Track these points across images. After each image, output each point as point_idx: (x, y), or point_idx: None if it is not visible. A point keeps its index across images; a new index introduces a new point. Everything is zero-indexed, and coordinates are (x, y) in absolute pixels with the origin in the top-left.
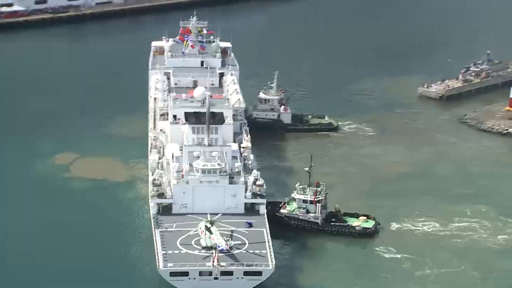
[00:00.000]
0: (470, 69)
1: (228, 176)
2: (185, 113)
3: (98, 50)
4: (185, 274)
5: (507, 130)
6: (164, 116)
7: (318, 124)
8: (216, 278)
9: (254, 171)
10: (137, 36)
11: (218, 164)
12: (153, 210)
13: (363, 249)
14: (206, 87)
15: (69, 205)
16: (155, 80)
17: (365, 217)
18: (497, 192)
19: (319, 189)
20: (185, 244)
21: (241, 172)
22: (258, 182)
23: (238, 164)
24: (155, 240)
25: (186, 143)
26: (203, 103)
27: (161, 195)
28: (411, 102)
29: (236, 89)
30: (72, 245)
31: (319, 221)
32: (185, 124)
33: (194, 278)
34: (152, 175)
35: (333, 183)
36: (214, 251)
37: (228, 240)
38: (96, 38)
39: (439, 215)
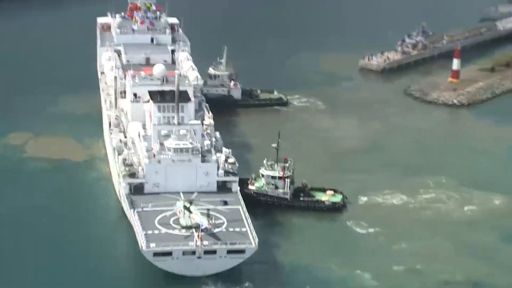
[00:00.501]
0: (406, 41)
1: (200, 155)
2: (149, 91)
3: (42, 25)
4: (169, 254)
5: (452, 101)
6: (121, 94)
7: (268, 99)
8: (199, 257)
9: (225, 149)
10: (81, 11)
11: (190, 143)
12: (125, 190)
13: (335, 224)
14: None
15: (30, 188)
16: (107, 57)
17: (332, 192)
18: (453, 163)
19: (287, 165)
20: (164, 224)
21: (212, 150)
22: (229, 160)
23: (207, 142)
24: (133, 221)
25: (154, 122)
26: (163, 81)
27: (132, 175)
28: (354, 75)
29: (191, 65)
30: (38, 231)
31: (288, 196)
32: (147, 102)
33: (177, 258)
34: (119, 154)
35: (293, 158)
36: (196, 230)
37: (210, 219)
38: (40, 14)
39: (404, 188)
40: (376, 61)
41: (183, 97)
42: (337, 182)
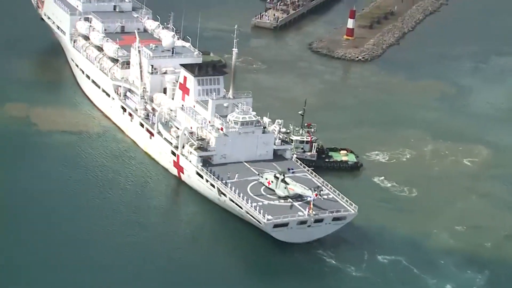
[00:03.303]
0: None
1: (262, 127)
2: (183, 64)
3: None
4: (285, 225)
5: (357, 57)
6: (125, 64)
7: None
8: (309, 226)
9: (278, 120)
10: None
11: (254, 116)
12: (197, 162)
13: (367, 182)
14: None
15: (71, 165)
16: (85, 27)
17: (345, 151)
18: (412, 116)
19: (312, 130)
20: (259, 195)
21: (267, 121)
22: (283, 130)
23: (254, 113)
24: (233, 195)
25: (195, 95)
26: (172, 52)
27: (202, 148)
28: (250, 32)
29: (173, 34)
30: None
31: (315, 158)
32: (166, 74)
33: (291, 228)
34: (171, 127)
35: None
36: (294, 200)
37: (318, 190)
38: None
39: (397, 143)
40: (268, 19)
41: (218, 70)
42: (331, 140)
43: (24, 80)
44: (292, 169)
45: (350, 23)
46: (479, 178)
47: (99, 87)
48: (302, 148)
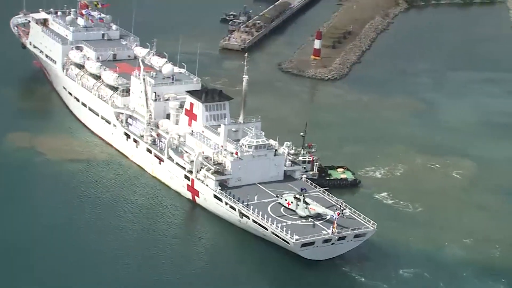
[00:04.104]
0: (235, 20)
1: (273, 149)
2: (189, 91)
3: None
4: (312, 243)
5: (327, 76)
6: (127, 92)
7: None
8: (333, 244)
9: (286, 142)
10: None
11: (266, 139)
12: (214, 186)
13: (373, 198)
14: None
15: (87, 194)
16: (80, 56)
17: (342, 169)
18: (394, 132)
19: (313, 150)
20: (281, 215)
21: (277, 144)
22: (291, 152)
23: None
24: (257, 217)
25: (203, 120)
26: (172, 80)
27: (219, 172)
28: (219, 54)
29: (166, 61)
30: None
31: (316, 177)
32: (169, 100)
33: (317, 246)
34: (181, 152)
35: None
36: (315, 220)
37: (340, 209)
38: None
39: (388, 159)
40: (235, 41)
41: (223, 96)
42: (323, 159)
43: (16, 109)
44: (305, 189)
45: (317, 44)
46: (472, 191)
47: (97, 114)
48: (304, 168)
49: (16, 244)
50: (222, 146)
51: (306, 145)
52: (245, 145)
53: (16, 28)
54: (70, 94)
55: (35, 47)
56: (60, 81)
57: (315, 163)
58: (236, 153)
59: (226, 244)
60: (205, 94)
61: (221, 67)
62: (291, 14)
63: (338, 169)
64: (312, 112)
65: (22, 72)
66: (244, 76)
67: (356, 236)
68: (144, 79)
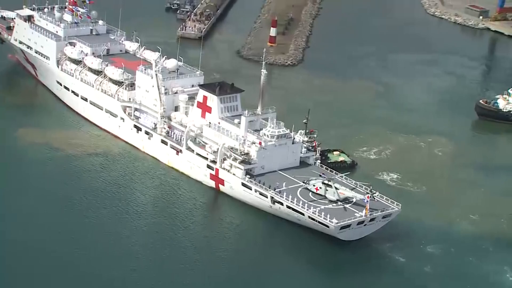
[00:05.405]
0: (182, 9)
1: (292, 138)
2: (204, 85)
3: None
4: (349, 226)
5: (286, 62)
6: (132, 86)
7: None
8: (365, 225)
9: (300, 130)
10: None
11: (286, 129)
12: (242, 175)
13: (375, 179)
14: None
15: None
16: (77, 51)
17: (337, 152)
18: (368, 115)
19: (315, 135)
20: (312, 200)
21: (292, 133)
22: (305, 139)
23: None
24: (291, 203)
25: (218, 112)
26: (177, 73)
27: (246, 162)
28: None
29: (159, 54)
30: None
31: (319, 161)
32: (177, 94)
33: (352, 228)
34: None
35: None
36: (345, 203)
37: (371, 192)
38: None
39: (374, 140)
40: (192, 30)
41: (235, 88)
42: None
43: (10, 104)
44: (323, 174)
45: (273, 32)
46: (458, 168)
47: (101, 108)
48: None
49: (42, 239)
50: (242, 137)
51: (308, 131)
52: (267, 135)
53: None
54: (67, 88)
55: (21, 42)
56: (53, 76)
57: (318, 148)
58: (260, 143)
59: (256, 228)
60: (219, 88)
61: (186, 56)
62: (230, 0)
63: (334, 152)
64: (286, 98)
65: (1, 67)
66: (262, 70)
67: (384, 216)
68: (156, 74)
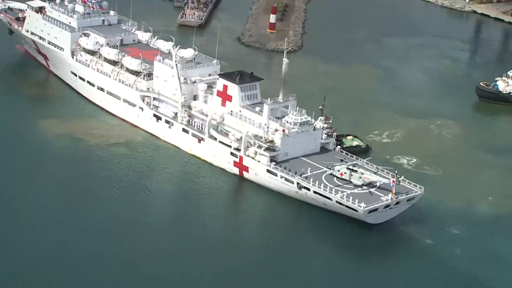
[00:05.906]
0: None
1: (313, 125)
2: (224, 74)
3: None
4: (376, 209)
5: (287, 48)
6: (149, 76)
7: None
8: (390, 208)
9: (320, 117)
10: None
11: (307, 116)
12: (268, 162)
13: (391, 163)
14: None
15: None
16: (92, 42)
17: (351, 136)
18: (373, 99)
19: (331, 121)
20: (338, 185)
21: (312, 119)
22: (324, 125)
23: None
24: (318, 188)
25: (239, 100)
26: (194, 62)
27: (270, 149)
28: (178, 31)
29: (173, 44)
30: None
31: (335, 145)
32: (196, 83)
33: (379, 211)
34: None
35: None
36: (369, 187)
37: (396, 176)
38: None
39: (384, 124)
40: (192, 18)
41: (254, 77)
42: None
43: (26, 96)
44: (344, 159)
45: (272, 18)
46: (469, 149)
47: (119, 98)
48: None
49: (70, 228)
50: (265, 124)
51: (323, 117)
52: (290, 123)
53: (1, 15)
54: (82, 79)
55: (33, 33)
56: (67, 67)
57: (334, 134)
58: (283, 131)
59: (282, 213)
60: (239, 77)
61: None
62: None
63: (348, 137)
64: (293, 84)
65: (11, 58)
66: (284, 59)
67: (408, 200)
68: (176, 64)
